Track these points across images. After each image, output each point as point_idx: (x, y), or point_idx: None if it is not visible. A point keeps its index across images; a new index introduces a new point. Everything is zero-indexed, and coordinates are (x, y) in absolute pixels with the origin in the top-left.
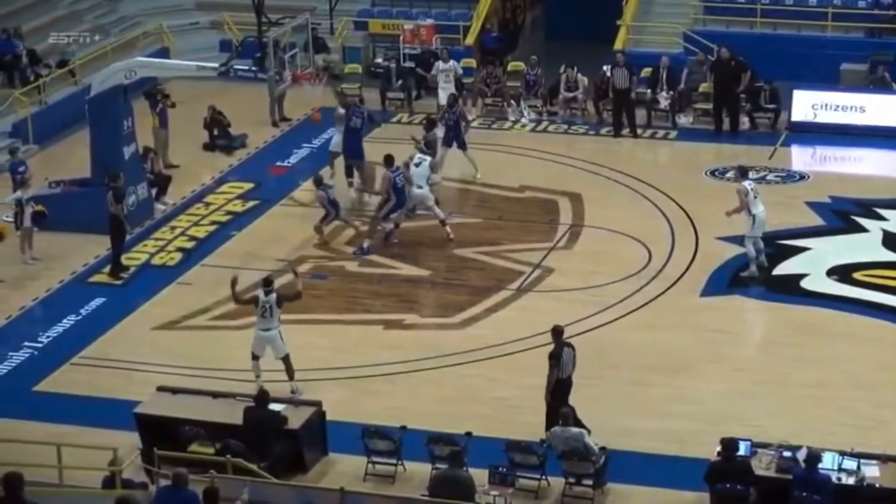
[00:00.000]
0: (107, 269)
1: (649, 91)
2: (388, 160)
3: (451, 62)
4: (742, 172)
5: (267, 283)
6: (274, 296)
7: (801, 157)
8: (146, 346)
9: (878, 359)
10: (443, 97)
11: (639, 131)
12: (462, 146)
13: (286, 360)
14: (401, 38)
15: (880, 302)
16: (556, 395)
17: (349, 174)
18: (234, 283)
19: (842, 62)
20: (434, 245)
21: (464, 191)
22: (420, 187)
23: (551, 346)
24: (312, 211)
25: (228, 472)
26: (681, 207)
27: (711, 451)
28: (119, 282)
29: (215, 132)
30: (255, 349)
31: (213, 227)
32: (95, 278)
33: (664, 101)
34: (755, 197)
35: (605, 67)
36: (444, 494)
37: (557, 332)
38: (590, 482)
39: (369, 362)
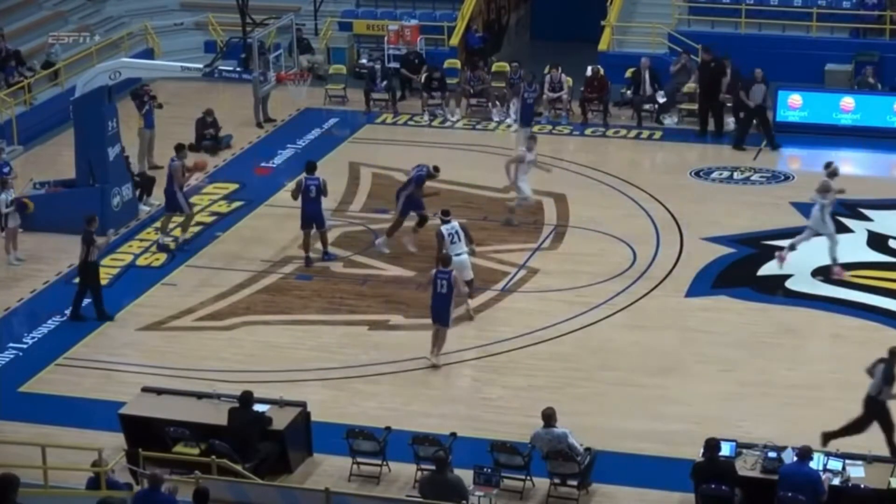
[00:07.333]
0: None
1: (629, 91)
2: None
3: None
4: (445, 213)
5: (445, 213)
6: (455, 223)
7: (785, 158)
8: (131, 346)
9: (863, 359)
10: None
11: (624, 132)
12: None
13: (470, 283)
14: (385, 38)
15: (865, 302)
16: None
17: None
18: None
19: (826, 62)
20: (419, 246)
21: (449, 192)
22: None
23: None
24: (295, 212)
25: (213, 472)
26: (665, 208)
27: (697, 452)
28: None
29: (204, 132)
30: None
31: (197, 228)
32: None
33: (661, 98)
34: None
35: (590, 68)
36: (434, 499)
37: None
38: (575, 482)
39: (354, 363)
